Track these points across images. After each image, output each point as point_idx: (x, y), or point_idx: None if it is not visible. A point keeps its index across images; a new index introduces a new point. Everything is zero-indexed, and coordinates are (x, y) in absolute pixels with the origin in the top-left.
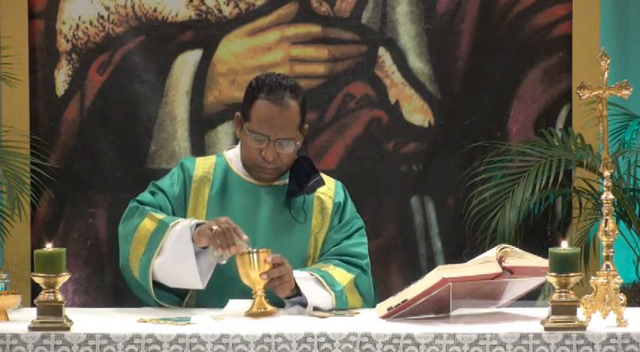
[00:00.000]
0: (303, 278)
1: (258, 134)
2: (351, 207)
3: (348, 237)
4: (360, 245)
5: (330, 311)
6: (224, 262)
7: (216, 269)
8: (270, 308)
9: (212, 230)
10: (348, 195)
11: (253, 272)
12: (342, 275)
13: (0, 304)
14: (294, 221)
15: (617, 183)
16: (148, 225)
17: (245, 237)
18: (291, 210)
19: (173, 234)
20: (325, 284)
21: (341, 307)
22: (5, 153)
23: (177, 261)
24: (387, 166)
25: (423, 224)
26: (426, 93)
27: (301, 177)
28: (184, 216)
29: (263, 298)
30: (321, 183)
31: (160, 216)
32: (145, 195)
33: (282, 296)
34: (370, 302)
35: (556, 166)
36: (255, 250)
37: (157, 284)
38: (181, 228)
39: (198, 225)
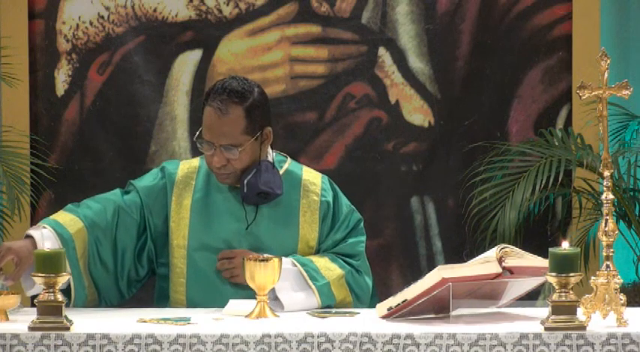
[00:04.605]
0: (283, 270)
1: (205, 141)
2: (344, 202)
3: (349, 235)
4: (358, 244)
5: (324, 308)
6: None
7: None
8: (271, 317)
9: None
10: (337, 189)
11: (259, 276)
12: (331, 270)
13: (0, 304)
14: (281, 220)
15: (617, 183)
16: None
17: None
18: (275, 209)
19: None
20: (307, 278)
21: (327, 302)
22: (5, 153)
23: None
24: (387, 166)
25: (423, 224)
26: (426, 93)
27: (257, 182)
28: (160, 209)
29: (266, 305)
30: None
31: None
32: (92, 198)
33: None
34: (366, 303)
35: (556, 166)
36: (263, 256)
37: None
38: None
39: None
